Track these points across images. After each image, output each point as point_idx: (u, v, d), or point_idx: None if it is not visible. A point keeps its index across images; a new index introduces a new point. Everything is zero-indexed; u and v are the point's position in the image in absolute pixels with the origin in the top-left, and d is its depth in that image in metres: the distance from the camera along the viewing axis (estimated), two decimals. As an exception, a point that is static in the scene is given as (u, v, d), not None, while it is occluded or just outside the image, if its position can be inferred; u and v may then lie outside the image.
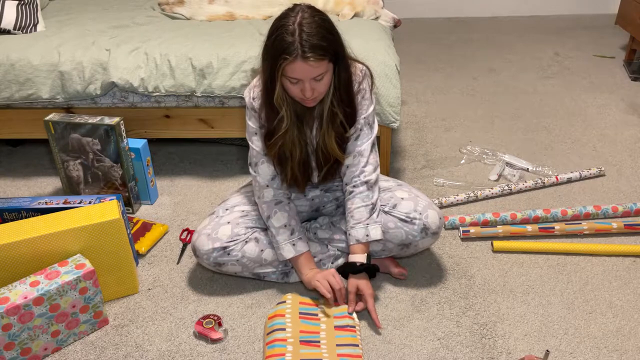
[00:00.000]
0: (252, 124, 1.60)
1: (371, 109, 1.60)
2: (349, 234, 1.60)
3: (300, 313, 1.55)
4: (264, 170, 1.62)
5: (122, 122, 1.97)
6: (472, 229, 1.91)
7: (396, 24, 2.51)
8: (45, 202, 1.77)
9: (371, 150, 1.62)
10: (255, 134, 1.60)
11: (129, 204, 2.09)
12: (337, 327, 1.51)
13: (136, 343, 1.56)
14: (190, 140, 2.56)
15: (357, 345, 1.47)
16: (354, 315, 1.57)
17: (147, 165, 2.09)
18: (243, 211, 1.70)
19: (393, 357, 1.50)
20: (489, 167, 2.36)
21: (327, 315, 1.56)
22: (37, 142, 2.56)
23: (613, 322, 1.59)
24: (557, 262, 1.82)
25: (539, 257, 1.84)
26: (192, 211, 2.11)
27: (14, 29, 2.25)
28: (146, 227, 1.95)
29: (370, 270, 1.60)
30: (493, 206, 2.10)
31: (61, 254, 1.56)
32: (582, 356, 1.49)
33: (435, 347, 1.52)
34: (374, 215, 1.60)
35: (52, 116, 2.00)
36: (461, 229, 1.92)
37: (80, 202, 1.77)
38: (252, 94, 1.57)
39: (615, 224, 1.91)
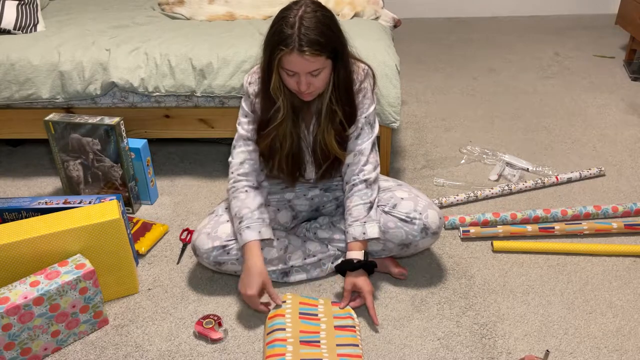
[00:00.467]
0: (245, 105, 1.62)
1: (372, 108, 1.60)
2: (347, 232, 1.61)
3: (300, 313, 1.55)
4: (237, 155, 1.64)
5: (122, 122, 1.97)
6: (472, 229, 1.91)
7: (396, 24, 2.52)
8: (45, 202, 1.77)
9: (371, 150, 1.62)
10: (246, 116, 1.62)
11: (129, 204, 2.09)
12: (337, 327, 1.51)
13: (136, 343, 1.56)
14: (190, 140, 2.56)
15: (357, 345, 1.47)
16: (354, 315, 1.57)
17: (147, 165, 2.09)
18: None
19: (393, 357, 1.50)
20: (489, 167, 2.36)
21: (327, 315, 1.55)
22: (37, 142, 2.56)
23: (613, 322, 1.59)
24: (557, 262, 1.82)
25: (539, 257, 1.84)
26: (192, 211, 2.11)
27: (14, 29, 2.25)
28: (146, 227, 1.95)
29: (367, 267, 1.60)
30: (493, 206, 2.10)
31: (61, 254, 1.56)
32: (582, 356, 1.49)
33: (435, 347, 1.52)
34: (372, 213, 1.60)
35: (52, 116, 2.00)
36: (461, 229, 1.92)
37: (80, 202, 1.77)
38: (250, 78, 1.60)
39: (615, 224, 1.91)
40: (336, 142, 1.57)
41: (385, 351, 1.51)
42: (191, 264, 1.84)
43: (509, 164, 2.35)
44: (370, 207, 1.60)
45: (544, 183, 2.19)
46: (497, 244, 1.86)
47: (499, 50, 3.65)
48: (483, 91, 3.06)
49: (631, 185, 2.21)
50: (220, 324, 1.58)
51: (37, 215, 1.67)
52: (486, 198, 2.14)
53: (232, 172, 1.65)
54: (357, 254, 1.58)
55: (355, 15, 2.45)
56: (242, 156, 1.63)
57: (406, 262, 1.81)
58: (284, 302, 1.58)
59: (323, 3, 2.39)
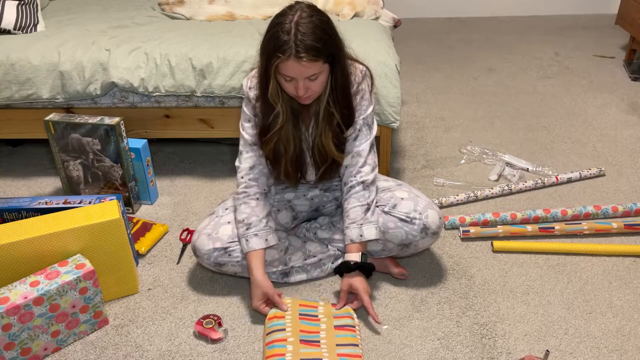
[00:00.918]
0: (247, 110, 1.62)
1: (370, 109, 1.60)
2: (344, 234, 1.61)
3: (300, 314, 1.55)
4: (245, 160, 1.63)
5: (122, 122, 1.97)
6: (472, 229, 1.91)
7: (396, 24, 2.51)
8: (45, 202, 1.77)
9: (369, 151, 1.62)
10: (249, 120, 1.62)
11: (129, 204, 2.09)
12: (337, 327, 1.51)
13: (136, 343, 1.56)
14: (190, 140, 2.56)
15: (357, 345, 1.47)
16: (354, 315, 1.57)
17: (147, 165, 2.09)
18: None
19: (393, 357, 1.50)
20: (489, 167, 2.36)
21: (326, 316, 1.55)
22: (37, 142, 2.56)
23: (613, 322, 1.59)
24: (557, 262, 1.82)
25: (539, 257, 1.84)
26: (192, 211, 2.11)
27: (14, 29, 2.25)
28: (146, 227, 1.95)
29: (365, 268, 1.60)
30: (493, 206, 2.10)
31: (61, 254, 1.56)
32: (582, 356, 1.49)
33: (435, 347, 1.52)
34: (369, 215, 1.59)
35: (52, 116, 2.00)
36: (461, 229, 1.92)
37: (80, 202, 1.77)
38: (250, 83, 1.59)
39: (615, 224, 1.91)
40: (334, 145, 1.56)
41: (385, 351, 1.51)
42: (191, 264, 1.84)
43: (509, 164, 2.35)
44: (368, 209, 1.60)
45: (544, 183, 2.19)
46: (497, 244, 1.86)
47: (499, 50, 3.65)
48: (483, 91, 3.06)
49: (631, 185, 2.21)
50: (220, 324, 1.58)
51: (37, 215, 1.67)
52: (486, 198, 2.14)
53: (242, 177, 1.64)
54: (354, 256, 1.58)
55: (355, 15, 2.45)
56: (250, 161, 1.63)
57: (406, 262, 1.81)
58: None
59: (323, 3, 2.44)
